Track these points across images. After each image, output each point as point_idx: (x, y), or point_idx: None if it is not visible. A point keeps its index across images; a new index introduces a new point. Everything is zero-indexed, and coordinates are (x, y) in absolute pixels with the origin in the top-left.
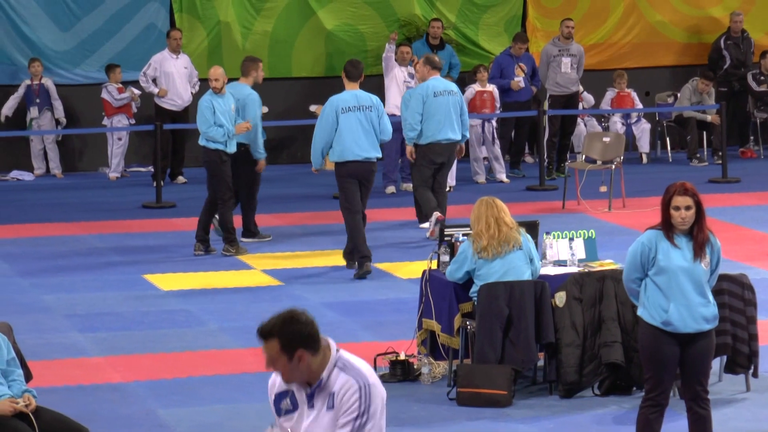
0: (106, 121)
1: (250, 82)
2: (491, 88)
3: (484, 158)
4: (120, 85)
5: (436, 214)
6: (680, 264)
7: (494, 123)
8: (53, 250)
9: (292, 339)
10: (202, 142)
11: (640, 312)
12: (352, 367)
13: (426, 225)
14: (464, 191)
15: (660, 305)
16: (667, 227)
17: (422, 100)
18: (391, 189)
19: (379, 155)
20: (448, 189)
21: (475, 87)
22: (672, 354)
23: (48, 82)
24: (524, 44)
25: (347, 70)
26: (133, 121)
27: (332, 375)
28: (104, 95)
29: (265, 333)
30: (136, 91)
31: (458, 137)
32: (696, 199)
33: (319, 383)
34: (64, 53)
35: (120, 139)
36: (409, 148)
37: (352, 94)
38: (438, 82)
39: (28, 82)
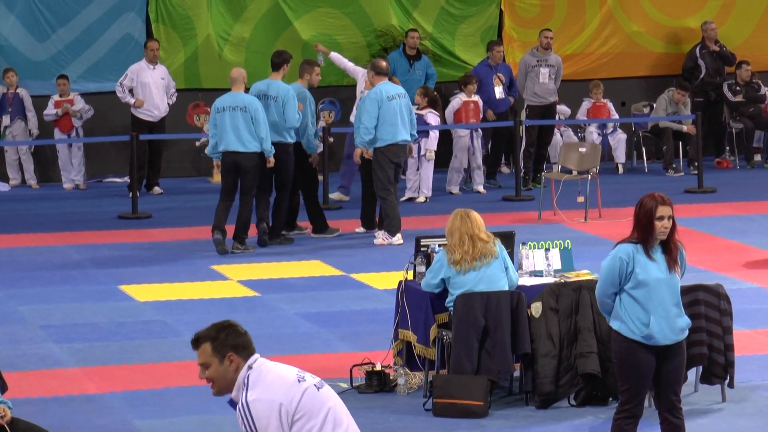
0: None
1: (305, 83)
2: (477, 98)
3: (465, 168)
4: (61, 98)
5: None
6: (658, 276)
7: (481, 133)
8: (29, 261)
9: (224, 342)
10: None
11: (615, 326)
12: (252, 385)
13: (380, 239)
14: (439, 201)
15: (640, 319)
16: (646, 239)
17: (377, 105)
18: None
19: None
20: (423, 200)
21: (462, 97)
22: (648, 365)
23: (22, 92)
24: (500, 47)
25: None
26: (74, 134)
27: (240, 395)
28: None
29: (198, 338)
30: (73, 107)
31: (409, 138)
32: (672, 208)
33: (231, 402)
34: (40, 63)
35: (59, 152)
36: (359, 150)
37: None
38: (389, 86)
39: (3, 90)
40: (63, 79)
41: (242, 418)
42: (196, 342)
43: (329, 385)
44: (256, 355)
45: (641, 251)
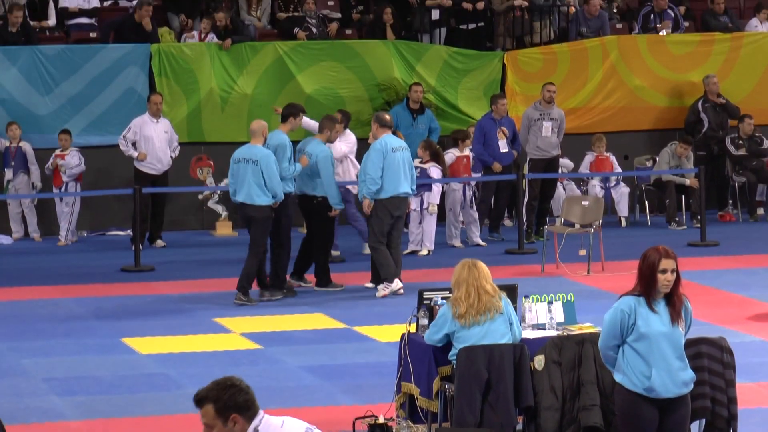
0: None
1: (323, 138)
2: (468, 153)
3: (461, 222)
4: (60, 152)
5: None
6: (660, 329)
7: (474, 186)
8: (32, 314)
9: (227, 403)
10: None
11: (618, 378)
12: None
13: (382, 291)
14: (442, 255)
15: (641, 372)
16: (648, 292)
17: (382, 156)
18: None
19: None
20: (426, 253)
21: (454, 152)
22: (651, 419)
23: (25, 146)
24: (503, 100)
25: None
26: (63, 189)
27: None
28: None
29: (200, 398)
30: (60, 162)
31: (410, 191)
32: (677, 262)
33: None
34: (43, 117)
35: (56, 206)
36: (367, 202)
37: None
38: (391, 138)
39: (6, 144)
40: (65, 134)
41: None
42: (199, 402)
43: None
44: (261, 413)
45: (643, 304)
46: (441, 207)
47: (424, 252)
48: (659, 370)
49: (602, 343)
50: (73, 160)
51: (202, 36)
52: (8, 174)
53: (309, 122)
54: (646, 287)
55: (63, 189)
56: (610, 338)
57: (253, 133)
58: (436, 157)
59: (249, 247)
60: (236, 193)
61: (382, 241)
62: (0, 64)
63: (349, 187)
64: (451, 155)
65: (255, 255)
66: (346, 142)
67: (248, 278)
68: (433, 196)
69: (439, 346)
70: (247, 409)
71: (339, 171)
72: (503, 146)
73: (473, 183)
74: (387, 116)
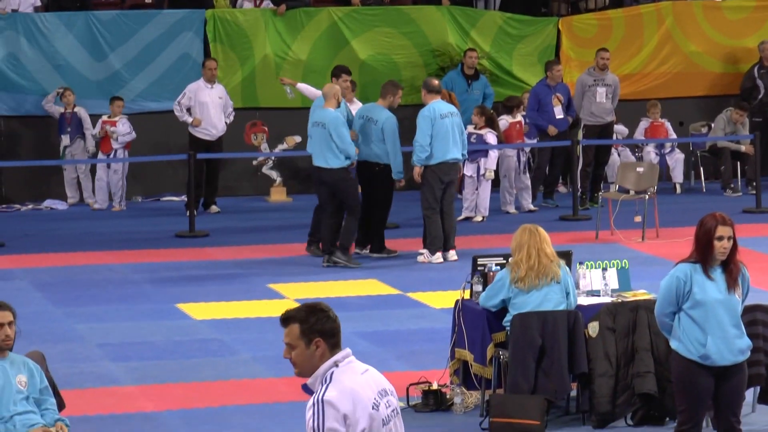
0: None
1: (386, 104)
2: (521, 119)
3: (514, 188)
4: (110, 119)
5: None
6: (716, 297)
7: (528, 153)
8: (86, 279)
9: (313, 326)
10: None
11: (674, 345)
12: (333, 383)
13: (421, 258)
14: (497, 221)
15: (697, 339)
16: (705, 259)
17: (431, 122)
18: None
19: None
20: (480, 219)
21: (507, 119)
22: (707, 386)
23: (81, 111)
24: (558, 66)
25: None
26: (112, 155)
27: (319, 388)
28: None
29: (287, 318)
30: (113, 129)
31: (461, 157)
32: (733, 229)
33: (306, 388)
34: (98, 83)
35: (98, 172)
36: (418, 169)
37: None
38: (441, 104)
39: (61, 110)
40: (118, 101)
41: (314, 413)
42: (285, 321)
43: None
44: (348, 352)
45: (700, 271)
46: (497, 173)
47: (479, 218)
48: (715, 337)
49: (658, 309)
50: (124, 128)
51: (257, 1)
52: (65, 140)
53: (306, 89)
54: (703, 254)
55: (112, 156)
56: (665, 305)
57: (324, 96)
58: (491, 123)
59: (346, 210)
60: (313, 157)
61: (435, 207)
62: (56, 30)
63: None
64: (504, 122)
65: (354, 215)
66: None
67: (348, 237)
68: (490, 162)
69: (493, 312)
70: (332, 336)
71: None
72: (558, 112)
73: (527, 149)
74: (435, 81)
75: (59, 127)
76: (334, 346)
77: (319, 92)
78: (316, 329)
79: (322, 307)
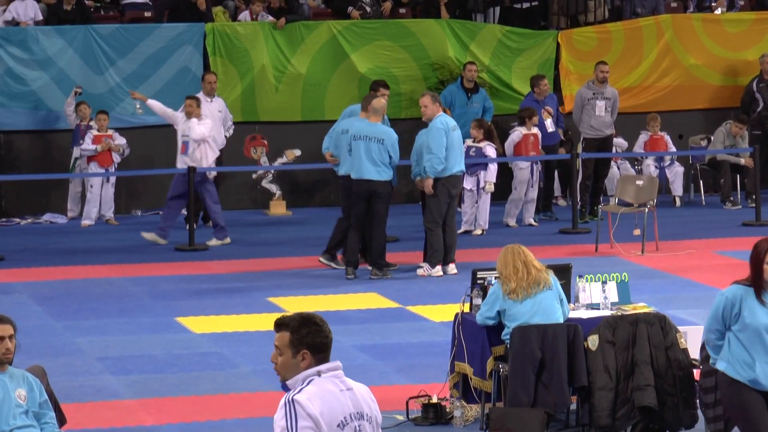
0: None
1: (377, 118)
2: (536, 131)
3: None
4: (99, 133)
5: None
6: (765, 322)
7: (540, 166)
8: (86, 293)
9: (303, 338)
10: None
11: (722, 366)
12: (310, 386)
13: (421, 271)
14: (496, 234)
15: (745, 362)
16: (757, 283)
17: (445, 134)
18: None
19: None
20: (480, 232)
21: (522, 130)
22: (759, 399)
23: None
24: (544, 81)
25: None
26: (111, 169)
27: (295, 387)
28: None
29: (281, 323)
30: (115, 142)
31: (464, 169)
32: None
33: (284, 386)
34: (98, 96)
35: (92, 186)
36: (430, 181)
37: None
38: (448, 118)
39: (77, 122)
40: (103, 114)
41: (286, 413)
42: (278, 327)
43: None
44: (336, 365)
45: (752, 294)
46: (496, 186)
47: (478, 231)
48: (761, 363)
49: (706, 324)
50: (122, 141)
51: (256, 15)
52: (76, 152)
53: (156, 105)
54: (755, 278)
55: (112, 170)
56: (711, 321)
57: (375, 112)
58: (490, 136)
59: (374, 223)
60: (353, 170)
61: (439, 221)
62: (55, 43)
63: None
64: (517, 133)
65: (382, 229)
66: (204, 124)
67: (381, 253)
68: (490, 175)
69: (492, 326)
70: (320, 351)
71: (197, 155)
72: (549, 126)
73: (540, 162)
74: (437, 95)
75: (73, 139)
76: (321, 360)
77: (170, 110)
78: (305, 341)
79: (316, 321)
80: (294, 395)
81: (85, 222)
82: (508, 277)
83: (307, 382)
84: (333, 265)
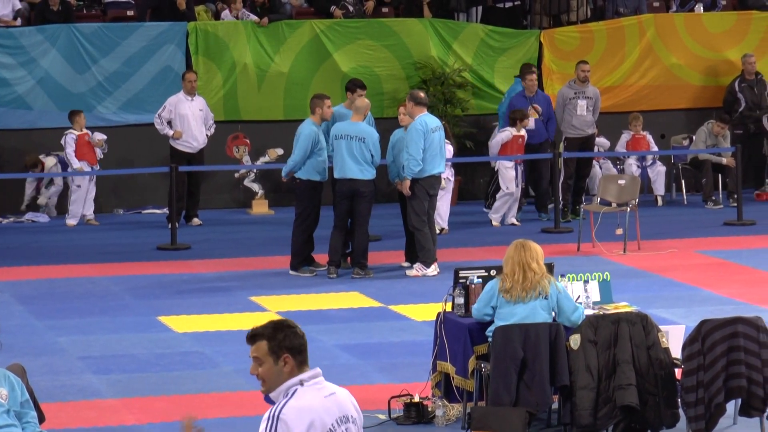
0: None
1: (317, 119)
2: (524, 133)
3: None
4: (83, 131)
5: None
6: None
7: (523, 166)
8: (68, 292)
9: (281, 343)
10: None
11: None
12: (294, 398)
13: (415, 272)
14: (479, 233)
15: None
16: None
17: (423, 136)
18: None
19: None
20: (440, 231)
21: (512, 131)
22: None
23: (89, 135)
24: (533, 75)
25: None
26: (97, 167)
27: (279, 401)
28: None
29: (254, 335)
30: (100, 137)
31: (443, 170)
32: None
33: (267, 399)
34: (80, 95)
35: (79, 186)
36: (408, 182)
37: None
38: (429, 118)
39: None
40: (80, 114)
41: (267, 428)
42: (252, 338)
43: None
44: (317, 372)
45: None
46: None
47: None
48: None
49: None
50: (102, 136)
51: (239, 14)
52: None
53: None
54: None
55: (96, 167)
56: None
57: (357, 110)
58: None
59: (356, 222)
60: (336, 169)
61: (425, 220)
62: (38, 43)
63: None
64: (507, 133)
65: (365, 229)
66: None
67: (364, 253)
68: (447, 172)
69: (475, 325)
70: (299, 352)
71: None
72: (531, 123)
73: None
74: (422, 94)
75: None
76: (302, 363)
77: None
78: (284, 345)
79: (288, 324)
80: (279, 411)
81: (71, 221)
82: (505, 275)
83: (291, 394)
84: (312, 268)
